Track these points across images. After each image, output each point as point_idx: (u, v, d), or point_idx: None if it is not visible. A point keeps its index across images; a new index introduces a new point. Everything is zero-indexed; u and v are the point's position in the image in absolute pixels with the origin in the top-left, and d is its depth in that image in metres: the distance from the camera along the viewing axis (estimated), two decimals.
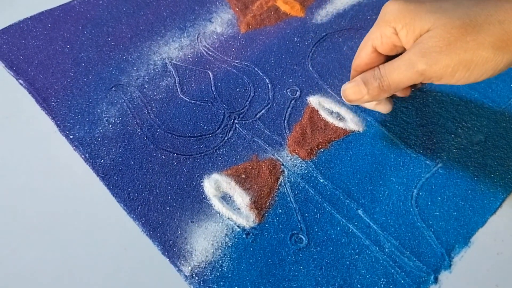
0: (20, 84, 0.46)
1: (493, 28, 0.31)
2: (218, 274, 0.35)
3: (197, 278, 0.35)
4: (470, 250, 0.38)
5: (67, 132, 0.42)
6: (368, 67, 0.38)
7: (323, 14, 0.57)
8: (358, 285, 0.35)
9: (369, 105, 0.41)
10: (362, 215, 0.39)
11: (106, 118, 0.44)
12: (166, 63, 0.49)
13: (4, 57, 0.48)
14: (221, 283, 0.35)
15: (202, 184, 0.40)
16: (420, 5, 0.33)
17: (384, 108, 0.41)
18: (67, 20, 0.53)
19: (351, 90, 0.38)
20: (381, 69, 0.36)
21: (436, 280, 0.36)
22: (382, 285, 0.35)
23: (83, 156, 0.41)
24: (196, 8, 0.56)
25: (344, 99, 0.39)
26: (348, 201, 0.40)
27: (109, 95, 0.46)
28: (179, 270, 0.35)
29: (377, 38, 0.36)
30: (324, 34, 0.54)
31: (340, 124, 0.45)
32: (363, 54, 0.37)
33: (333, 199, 0.40)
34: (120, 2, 0.55)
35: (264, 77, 0.49)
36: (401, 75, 0.34)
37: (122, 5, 0.55)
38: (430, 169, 0.42)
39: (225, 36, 0.53)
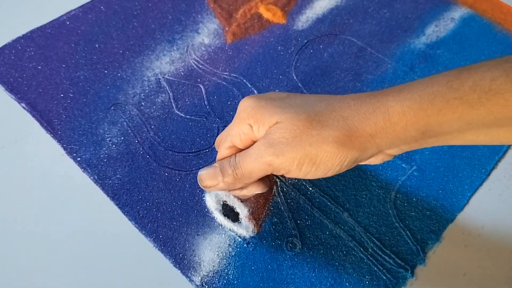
0: (23, 107, 0.48)
1: (337, 123, 0.31)
2: (225, 281, 0.40)
3: (207, 286, 0.40)
4: (441, 245, 0.44)
5: (74, 155, 0.46)
6: None
7: (303, 20, 0.60)
8: (347, 283, 0.41)
9: (237, 193, 0.40)
10: (347, 219, 0.44)
11: (109, 138, 0.47)
12: (159, 78, 0.52)
13: (3, 80, 0.50)
14: None
15: (204, 198, 0.44)
16: (271, 101, 0.34)
17: (257, 190, 0.39)
18: (60, 38, 0.54)
19: (207, 175, 0.37)
20: (236, 157, 0.36)
21: (412, 274, 0.42)
22: (367, 282, 0.41)
23: (92, 177, 0.44)
24: (182, 18, 0.58)
25: (200, 185, 0.38)
26: (334, 206, 0.45)
27: (109, 115, 0.49)
28: (191, 280, 0.40)
29: (236, 136, 0.36)
30: (306, 41, 0.57)
31: None
32: (223, 150, 0.37)
33: (322, 205, 0.45)
34: (109, 15, 0.57)
35: (253, 89, 0.52)
36: (252, 164, 0.34)
37: (110, 18, 0.57)
38: (406, 172, 0.48)
39: (212, 48, 0.56)
